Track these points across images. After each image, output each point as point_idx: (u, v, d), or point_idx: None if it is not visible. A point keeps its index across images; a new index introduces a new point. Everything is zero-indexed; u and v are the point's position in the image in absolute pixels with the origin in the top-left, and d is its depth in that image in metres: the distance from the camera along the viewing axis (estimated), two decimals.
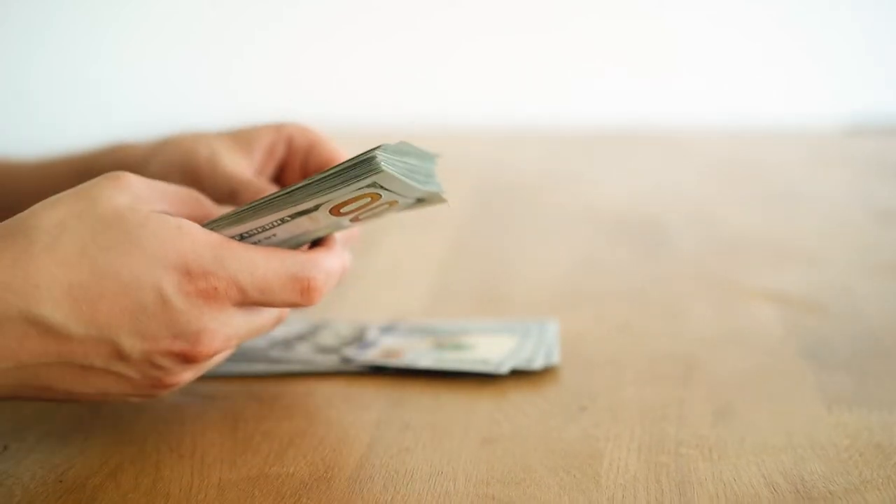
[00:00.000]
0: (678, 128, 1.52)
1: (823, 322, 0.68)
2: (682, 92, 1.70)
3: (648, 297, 0.75)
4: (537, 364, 0.59)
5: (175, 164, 0.58)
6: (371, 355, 0.61)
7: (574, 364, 0.61)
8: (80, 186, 0.46)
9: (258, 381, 0.59)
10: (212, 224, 0.47)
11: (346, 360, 0.60)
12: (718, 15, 1.69)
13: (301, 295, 0.48)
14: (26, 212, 0.45)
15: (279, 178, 0.59)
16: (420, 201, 0.50)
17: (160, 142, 0.60)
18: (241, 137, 0.59)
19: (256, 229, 0.47)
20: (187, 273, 0.45)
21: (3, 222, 0.46)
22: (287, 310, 0.51)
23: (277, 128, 0.59)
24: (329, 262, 0.49)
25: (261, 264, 0.47)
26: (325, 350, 0.62)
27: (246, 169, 0.57)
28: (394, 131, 1.44)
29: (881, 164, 1.23)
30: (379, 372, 0.60)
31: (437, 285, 0.78)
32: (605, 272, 0.82)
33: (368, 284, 0.77)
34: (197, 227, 0.46)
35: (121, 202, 0.45)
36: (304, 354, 0.61)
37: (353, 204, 0.47)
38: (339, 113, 1.62)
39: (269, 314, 0.50)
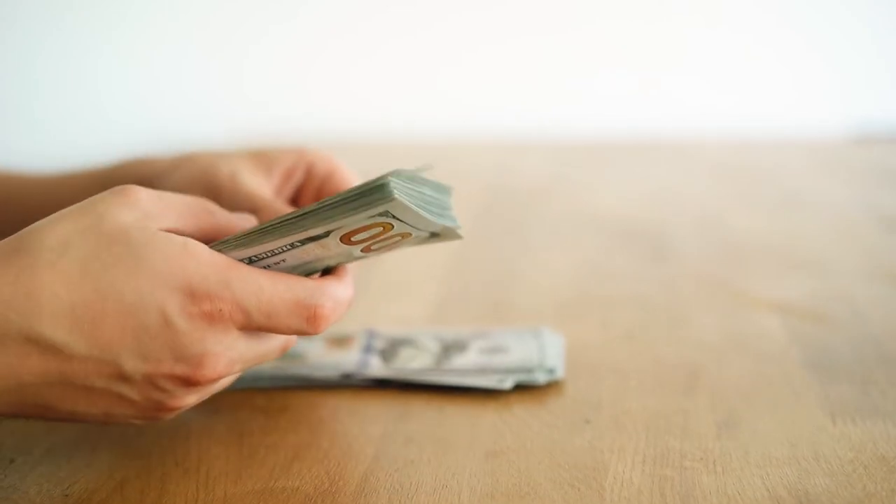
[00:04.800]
0: (683, 135, 1.52)
1: (827, 331, 0.68)
2: (687, 99, 1.70)
3: (653, 305, 0.75)
4: (541, 379, 0.59)
5: (196, 180, 0.58)
6: (375, 366, 0.61)
7: (579, 374, 0.61)
8: (86, 201, 0.46)
9: (263, 395, 0.59)
10: (219, 245, 0.47)
11: (348, 376, 0.60)
12: (723, 22, 1.69)
13: (307, 322, 0.47)
14: (31, 227, 0.45)
15: (295, 201, 0.60)
16: (435, 235, 0.49)
17: (181, 157, 0.61)
18: (263, 158, 0.59)
19: (265, 254, 0.47)
20: (191, 294, 0.44)
21: (7, 238, 0.45)
22: (294, 337, 0.51)
23: (300, 152, 0.59)
24: (339, 291, 0.49)
25: (267, 288, 0.46)
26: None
27: (266, 189, 0.57)
28: (399, 138, 1.45)
29: (886, 172, 1.23)
30: (383, 385, 0.60)
31: (443, 292, 0.78)
32: (610, 279, 0.82)
33: (374, 292, 0.77)
34: (203, 247, 0.46)
35: (126, 219, 0.45)
36: (315, 357, 0.62)
37: (365, 233, 0.46)
38: (344, 120, 1.62)
39: (275, 340, 0.49)
